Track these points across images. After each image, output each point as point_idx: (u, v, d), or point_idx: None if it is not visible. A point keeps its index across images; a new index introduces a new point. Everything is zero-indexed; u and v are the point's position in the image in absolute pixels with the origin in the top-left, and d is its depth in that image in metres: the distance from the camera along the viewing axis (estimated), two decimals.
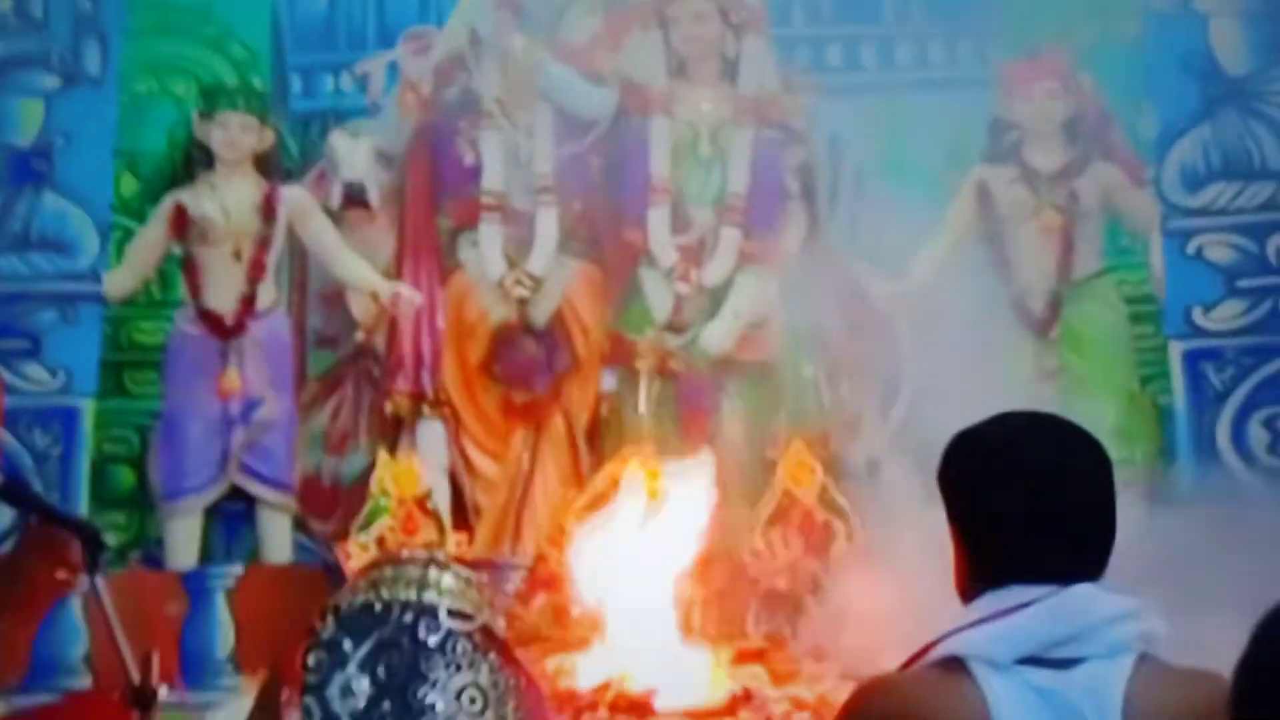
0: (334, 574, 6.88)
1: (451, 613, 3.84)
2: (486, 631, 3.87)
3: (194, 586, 7.33)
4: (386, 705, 3.79)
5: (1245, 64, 7.82)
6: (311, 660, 3.81)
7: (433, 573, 3.95)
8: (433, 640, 3.83)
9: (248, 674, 6.76)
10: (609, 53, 8.14)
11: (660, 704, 6.02)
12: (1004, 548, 2.64)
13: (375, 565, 4.07)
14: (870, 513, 6.81)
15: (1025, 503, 2.62)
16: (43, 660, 6.93)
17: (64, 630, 7.04)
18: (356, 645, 3.83)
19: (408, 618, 3.85)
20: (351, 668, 3.85)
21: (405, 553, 4.60)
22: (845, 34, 8.45)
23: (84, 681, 6.97)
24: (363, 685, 3.82)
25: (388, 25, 8.32)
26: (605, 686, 6.00)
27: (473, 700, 3.85)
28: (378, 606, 3.87)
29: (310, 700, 3.84)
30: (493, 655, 3.86)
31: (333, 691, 3.85)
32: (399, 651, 3.83)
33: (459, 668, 3.83)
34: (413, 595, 3.88)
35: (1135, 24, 8.05)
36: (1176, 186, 7.82)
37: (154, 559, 7.59)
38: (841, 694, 5.81)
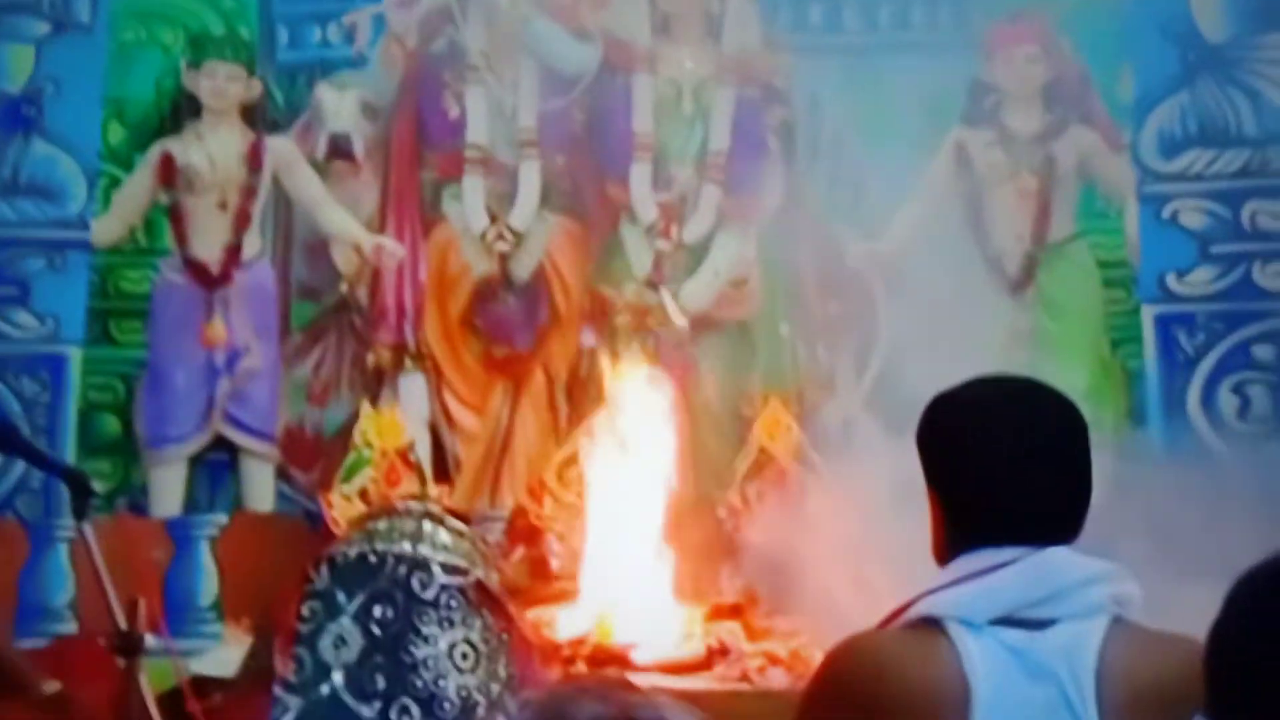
0: (316, 523, 6.90)
1: (446, 567, 3.86)
2: (480, 587, 3.90)
3: (179, 534, 7.33)
4: (379, 658, 3.82)
5: (1224, 31, 7.82)
6: (305, 610, 3.83)
7: (427, 526, 3.97)
8: (427, 594, 3.85)
9: (231, 622, 6.79)
10: (594, 9, 8.12)
11: (637, 657, 6.03)
12: (980, 510, 2.65)
13: (369, 517, 4.09)
14: (844, 470, 6.81)
15: (1001, 466, 2.63)
16: (29, 606, 6.99)
17: (50, 576, 7.08)
18: (350, 597, 3.85)
19: (402, 571, 3.88)
20: (344, 619, 3.88)
21: (400, 505, 4.60)
22: None
23: (70, 627, 6.97)
24: (355, 637, 3.84)
25: None
26: (583, 640, 6.02)
27: (464, 656, 3.87)
28: (372, 558, 3.90)
29: (303, 650, 3.87)
30: (485, 611, 3.88)
31: (325, 642, 3.88)
32: (392, 604, 3.85)
33: (452, 623, 3.85)
34: (407, 548, 3.90)
35: None
36: (1153, 152, 7.84)
37: (139, 506, 7.58)
38: (814, 649, 5.88)
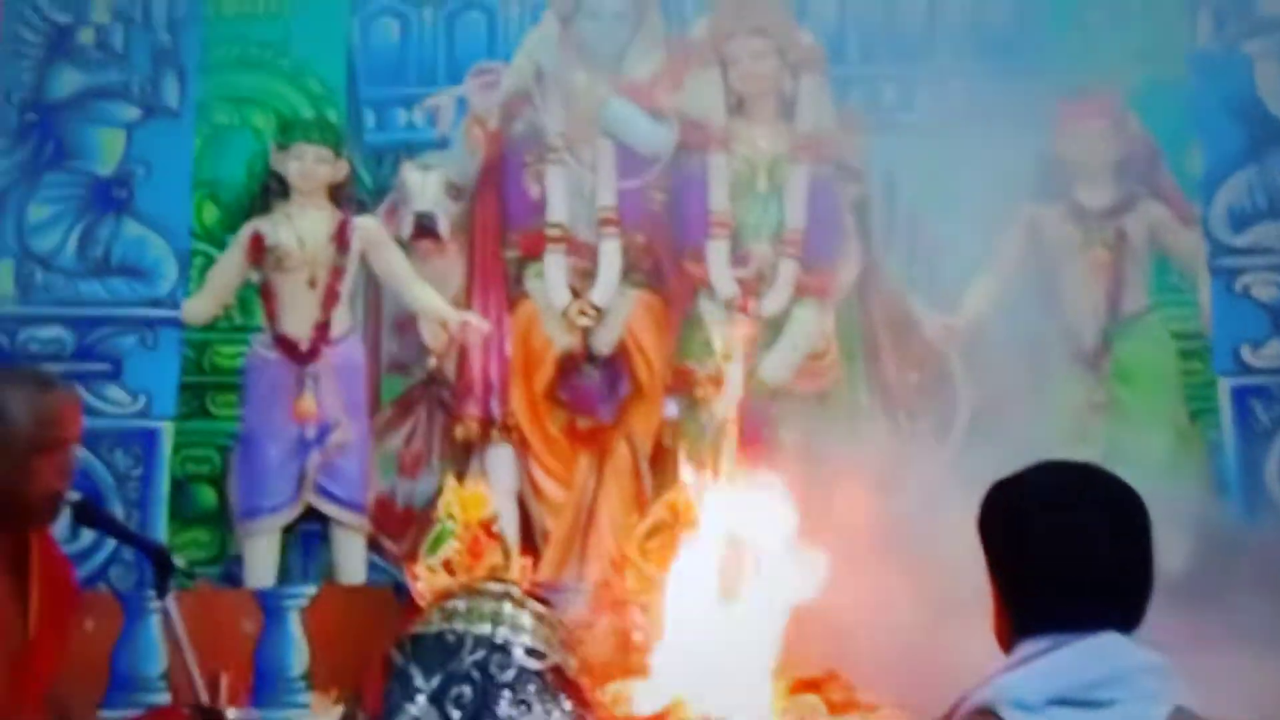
0: (403, 594, 6.81)
1: (525, 650, 3.72)
2: (558, 671, 3.75)
3: (269, 605, 7.26)
4: None
5: None
6: (385, 690, 3.72)
7: (508, 608, 3.83)
8: (504, 676, 3.70)
9: (319, 692, 6.69)
10: (669, 90, 8.11)
11: None
12: (1039, 598, 2.59)
13: (449, 595, 3.95)
14: (926, 542, 6.68)
15: (1062, 555, 2.57)
16: (122, 676, 6.94)
17: (143, 647, 7.03)
18: (427, 677, 3.72)
19: (480, 653, 3.74)
20: (421, 700, 3.74)
21: (481, 585, 4.47)
22: (900, 73, 8.32)
23: (162, 698, 6.89)
24: (432, 717, 3.71)
25: (456, 60, 8.28)
26: (662, 716, 5.87)
27: None
28: (450, 638, 3.76)
29: None
30: (563, 697, 3.73)
31: None
32: (470, 686, 3.71)
33: (529, 706, 3.71)
34: (486, 629, 3.77)
35: (1181, 66, 8.01)
36: (1223, 225, 7.79)
37: (234, 576, 7.56)
38: None
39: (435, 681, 3.80)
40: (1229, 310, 7.71)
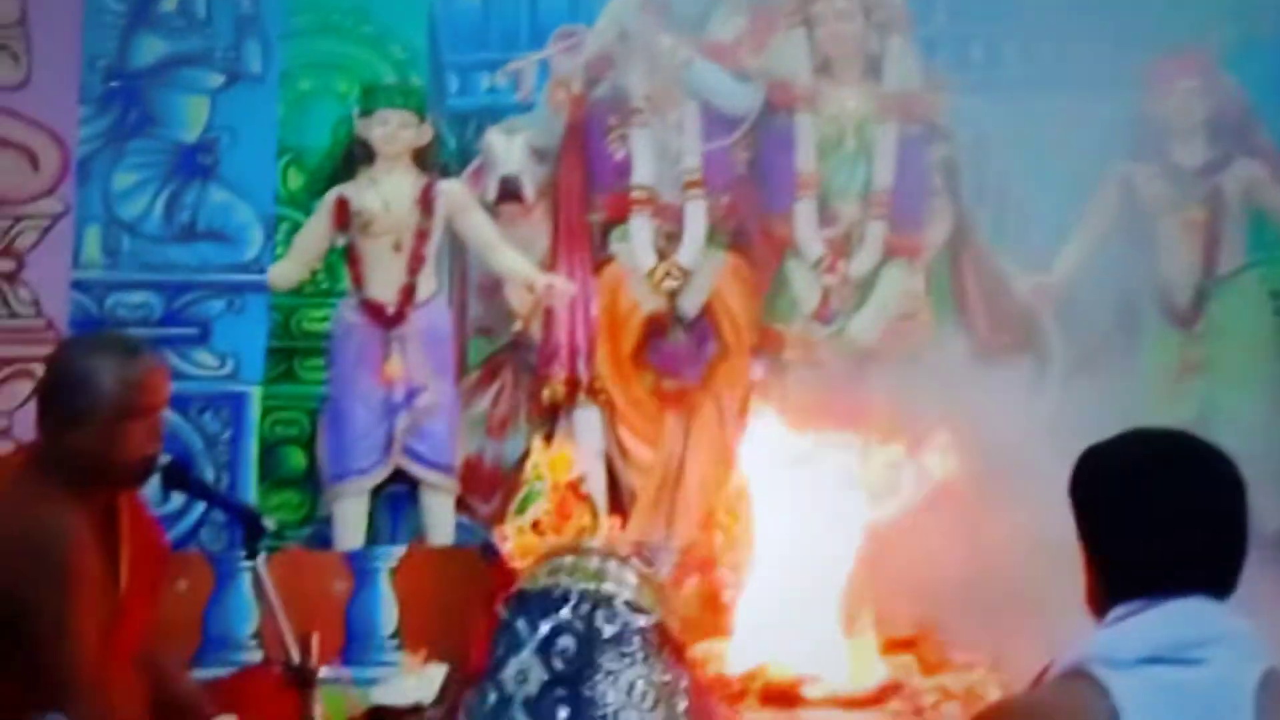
0: (491, 555, 6.83)
1: (630, 605, 3.71)
2: (662, 629, 3.75)
3: (358, 566, 7.31)
4: (559, 692, 3.67)
5: None
6: (490, 644, 3.72)
7: (612, 565, 3.82)
8: (609, 631, 3.69)
9: (409, 651, 6.71)
10: (754, 51, 8.07)
11: (809, 692, 5.86)
12: (1131, 566, 2.58)
13: (555, 553, 3.96)
14: (1018, 499, 6.64)
15: (1153, 523, 2.57)
16: (214, 637, 7.01)
17: (234, 607, 7.10)
18: (532, 630, 3.72)
19: (585, 607, 3.73)
20: (526, 653, 3.73)
21: (586, 544, 4.48)
22: (987, 32, 8.25)
23: (254, 656, 6.96)
24: (537, 670, 3.70)
25: (539, 24, 8.25)
26: (754, 674, 5.85)
27: (644, 695, 3.71)
28: (556, 593, 3.76)
29: (487, 683, 3.75)
30: (666, 653, 3.72)
31: (507, 674, 3.74)
32: (575, 639, 3.70)
33: (633, 661, 3.70)
34: (591, 585, 3.76)
35: (1276, 23, 7.93)
36: None
37: (324, 538, 7.60)
38: (990, 685, 5.68)
39: (540, 634, 3.79)
40: None
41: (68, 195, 7.74)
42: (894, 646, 6.26)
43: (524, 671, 3.72)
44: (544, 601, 3.79)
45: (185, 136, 7.87)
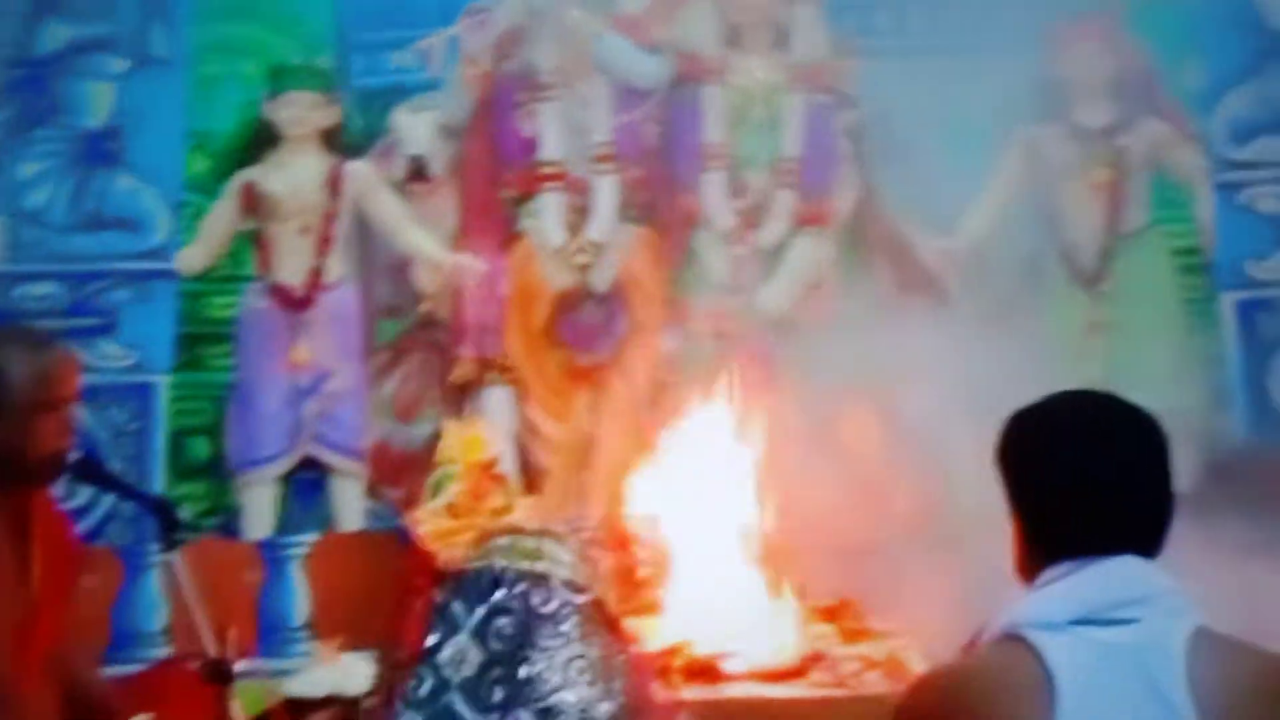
0: (406, 539, 6.81)
1: (566, 583, 3.72)
2: (598, 605, 3.76)
3: (270, 555, 7.32)
4: (497, 673, 3.68)
5: None
6: (427, 628, 3.72)
7: (548, 544, 3.84)
8: (546, 609, 3.71)
9: (324, 640, 6.68)
10: (663, 22, 8.08)
11: (730, 666, 5.84)
12: (1059, 526, 2.59)
13: (490, 534, 3.97)
14: (928, 468, 6.69)
15: (1082, 480, 2.57)
16: (123, 632, 6.98)
17: (143, 602, 7.08)
18: (469, 612, 3.72)
19: (521, 586, 3.74)
20: (463, 635, 3.74)
21: (521, 523, 4.49)
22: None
23: (163, 652, 6.94)
24: (474, 651, 3.71)
25: (446, 1, 8.17)
26: (675, 650, 5.86)
27: (581, 671, 3.72)
28: (491, 573, 3.76)
29: (423, 668, 3.75)
30: (603, 629, 3.73)
31: (444, 658, 3.75)
32: (511, 619, 3.72)
33: (570, 639, 3.71)
34: (526, 564, 3.77)
35: None
36: (1225, 140, 7.78)
37: (232, 528, 7.55)
38: (911, 652, 5.71)
39: (477, 615, 3.79)
40: (1232, 225, 7.70)
41: None
42: (813, 617, 6.26)
43: (461, 654, 3.72)
44: (479, 583, 3.79)
45: (91, 123, 7.81)
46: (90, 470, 4.26)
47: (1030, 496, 2.63)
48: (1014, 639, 2.51)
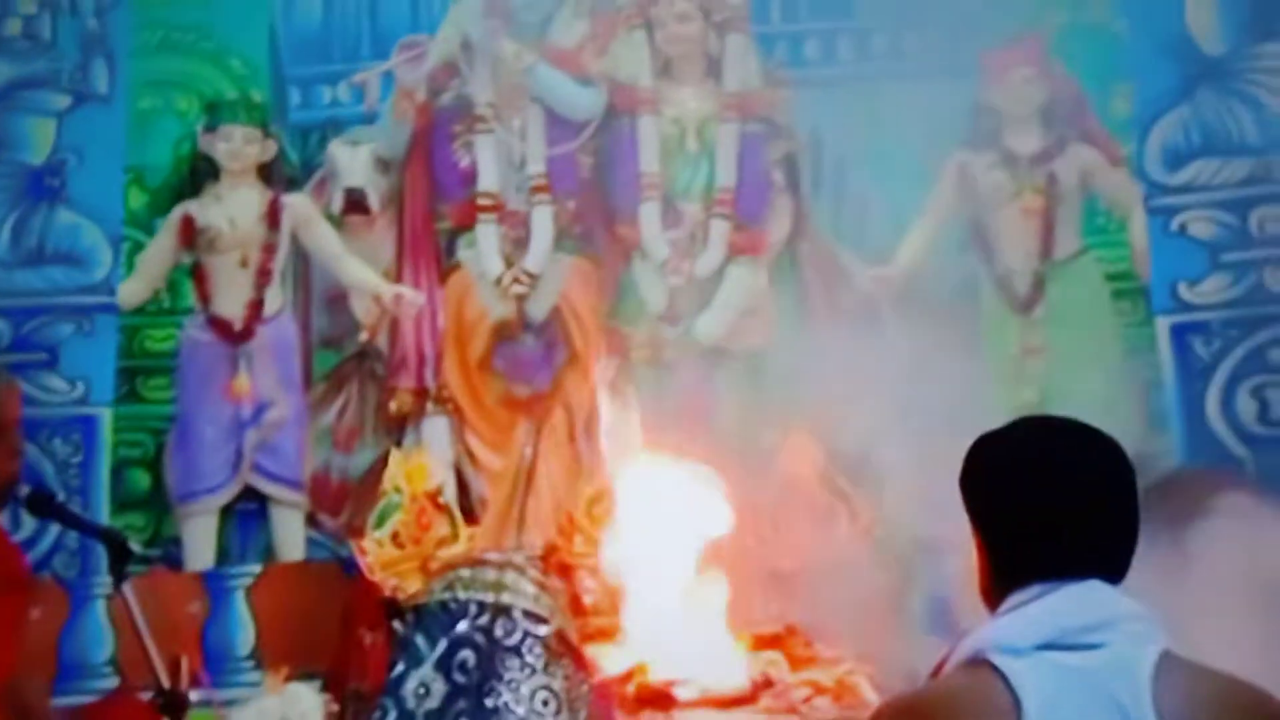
0: (349, 569, 6.82)
1: (528, 614, 3.74)
2: (561, 636, 3.78)
3: (214, 586, 7.31)
4: (462, 704, 3.69)
5: (1222, 43, 7.81)
6: (389, 660, 3.74)
7: (510, 575, 3.86)
8: (509, 641, 3.72)
9: (269, 670, 6.69)
10: (596, 55, 8.13)
11: (681, 693, 5.85)
12: (1024, 550, 2.57)
13: (451, 565, 3.98)
14: (868, 493, 6.74)
15: (1045, 506, 2.56)
16: (69, 664, 6.94)
17: (89, 633, 7.06)
18: (432, 644, 3.74)
19: (484, 619, 3.76)
20: (426, 667, 3.76)
21: (483, 554, 4.50)
22: (821, 29, 8.36)
23: (110, 683, 6.94)
24: (438, 684, 3.72)
25: (381, 35, 8.25)
26: (626, 676, 5.88)
27: (545, 703, 3.74)
28: (453, 605, 3.78)
29: (387, 700, 3.76)
30: (566, 660, 3.76)
31: (408, 689, 3.76)
32: (475, 651, 3.73)
33: (534, 670, 3.73)
34: (489, 596, 3.79)
35: (1106, 8, 8.08)
36: (1159, 165, 7.84)
37: (173, 559, 7.55)
38: (859, 677, 5.74)
39: (440, 648, 3.81)
40: (1166, 249, 7.76)
41: None
42: (760, 644, 6.29)
43: (425, 686, 3.74)
44: (442, 615, 3.80)
45: (32, 159, 7.84)
46: (42, 503, 4.26)
47: (996, 521, 2.62)
48: (981, 664, 2.48)
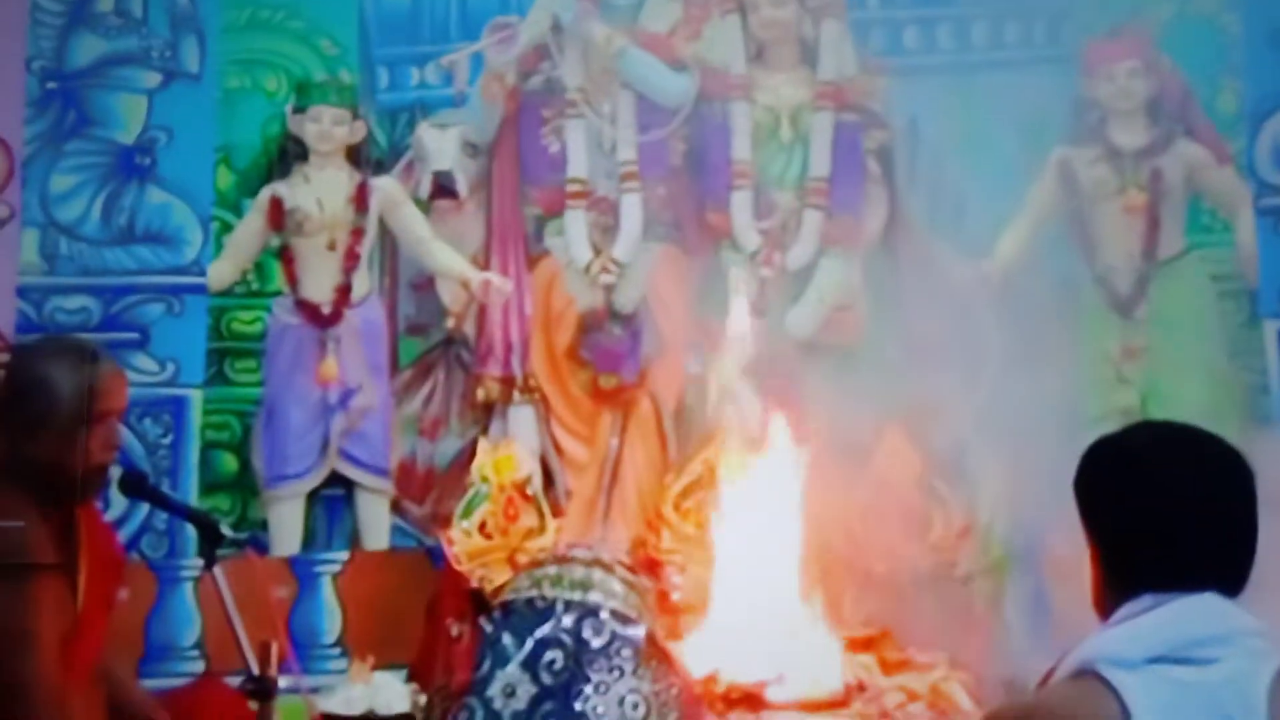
0: (435, 558, 6.90)
1: (617, 615, 3.76)
2: (650, 638, 3.80)
3: (302, 571, 7.42)
4: (548, 706, 3.72)
5: None
6: (476, 658, 3.78)
7: (598, 573, 3.88)
8: (597, 643, 3.75)
9: (355, 658, 6.77)
10: (689, 39, 8.15)
11: (773, 695, 5.87)
12: (1141, 559, 2.60)
13: (537, 563, 4.00)
14: (963, 496, 6.74)
15: (1162, 514, 2.58)
16: (157, 646, 7.06)
17: (177, 616, 7.16)
18: (519, 643, 3.77)
19: (571, 619, 3.78)
20: (513, 666, 3.79)
21: (570, 552, 4.52)
22: (920, 16, 8.33)
23: (197, 666, 7.05)
24: (525, 686, 3.75)
25: (470, 16, 8.27)
26: (713, 677, 5.91)
27: (635, 706, 3.77)
28: (541, 604, 3.81)
29: (473, 699, 3.79)
30: (655, 662, 3.78)
31: (494, 690, 3.80)
32: (562, 652, 3.75)
33: (622, 673, 3.75)
34: (577, 596, 3.81)
35: (1210, 1, 8.00)
36: (1268, 164, 7.80)
37: (259, 543, 7.58)
38: (953, 684, 5.75)
39: (527, 647, 3.85)
40: (1275, 250, 7.72)
41: (12, 200, 7.78)
42: (853, 646, 6.31)
43: (511, 686, 3.77)
44: (529, 614, 3.83)
45: (123, 137, 7.92)
46: (136, 485, 4.37)
47: (1110, 529, 2.64)
48: (1090, 675, 2.50)
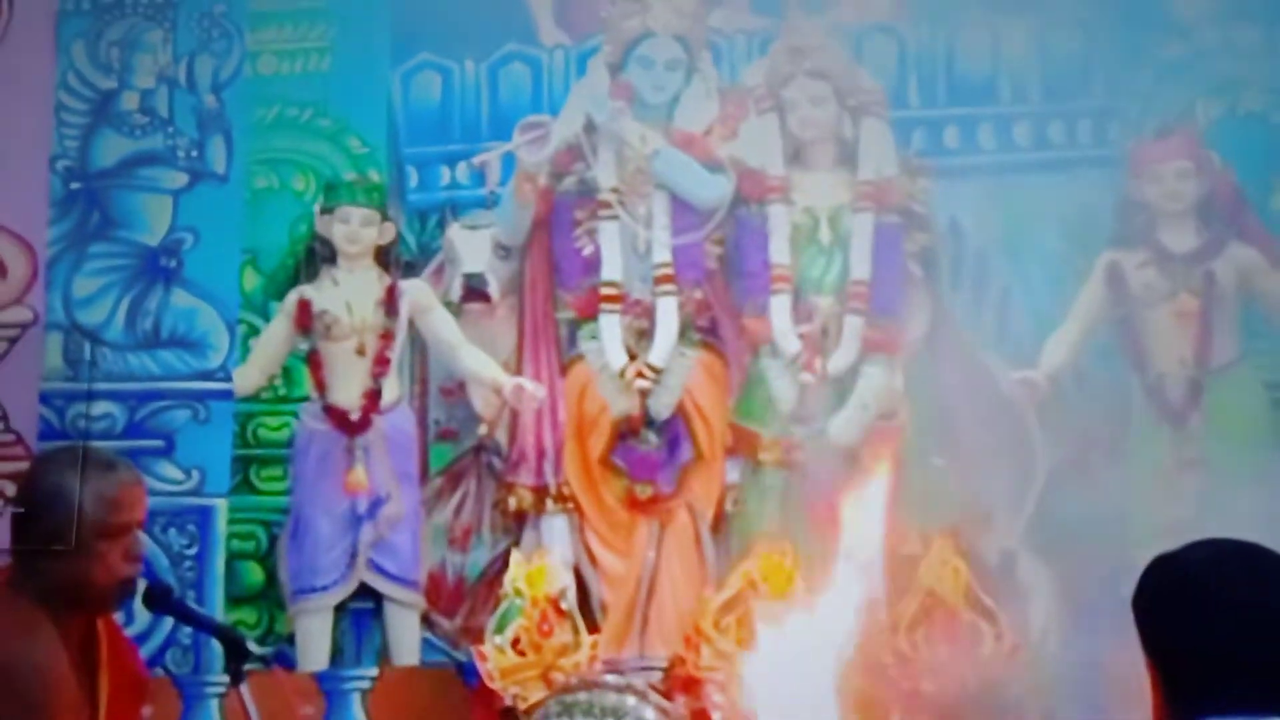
0: (467, 674, 6.85)
1: None
2: None
3: (329, 687, 7.37)
4: None
5: None
6: None
7: (631, 700, 3.85)
8: None
9: None
10: (725, 139, 8.15)
11: None
12: (1201, 683, 2.58)
13: (567, 689, 3.98)
14: (1012, 611, 6.69)
15: (1225, 637, 2.57)
16: None
17: None
18: None
19: None
20: None
21: (601, 677, 4.49)
22: (962, 115, 8.33)
23: None
24: None
25: (501, 115, 8.30)
26: None
27: None
28: None
29: None
30: None
31: None
32: None
33: None
34: None
35: (1264, 98, 8.01)
36: None
37: (285, 657, 7.61)
38: None
39: None
40: None
41: (36, 303, 7.84)
42: None
43: None
44: None
45: (148, 239, 7.99)
46: (161, 599, 4.35)
47: (1170, 650, 2.63)
48: None
